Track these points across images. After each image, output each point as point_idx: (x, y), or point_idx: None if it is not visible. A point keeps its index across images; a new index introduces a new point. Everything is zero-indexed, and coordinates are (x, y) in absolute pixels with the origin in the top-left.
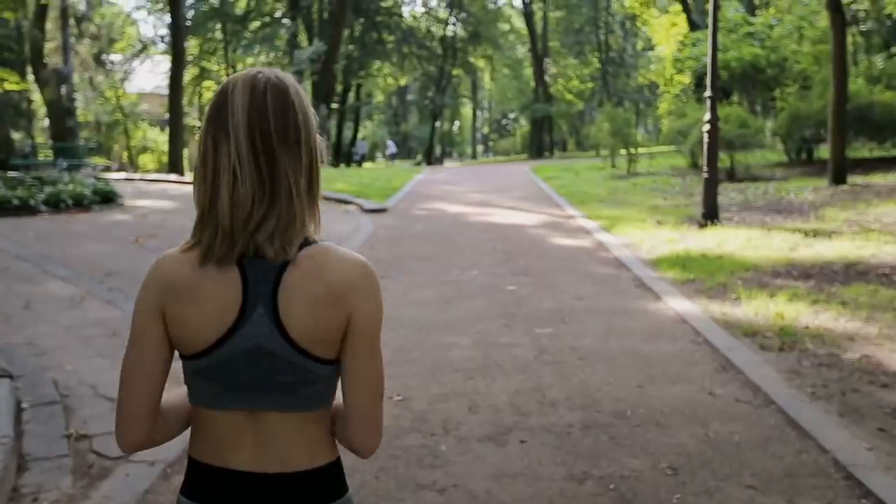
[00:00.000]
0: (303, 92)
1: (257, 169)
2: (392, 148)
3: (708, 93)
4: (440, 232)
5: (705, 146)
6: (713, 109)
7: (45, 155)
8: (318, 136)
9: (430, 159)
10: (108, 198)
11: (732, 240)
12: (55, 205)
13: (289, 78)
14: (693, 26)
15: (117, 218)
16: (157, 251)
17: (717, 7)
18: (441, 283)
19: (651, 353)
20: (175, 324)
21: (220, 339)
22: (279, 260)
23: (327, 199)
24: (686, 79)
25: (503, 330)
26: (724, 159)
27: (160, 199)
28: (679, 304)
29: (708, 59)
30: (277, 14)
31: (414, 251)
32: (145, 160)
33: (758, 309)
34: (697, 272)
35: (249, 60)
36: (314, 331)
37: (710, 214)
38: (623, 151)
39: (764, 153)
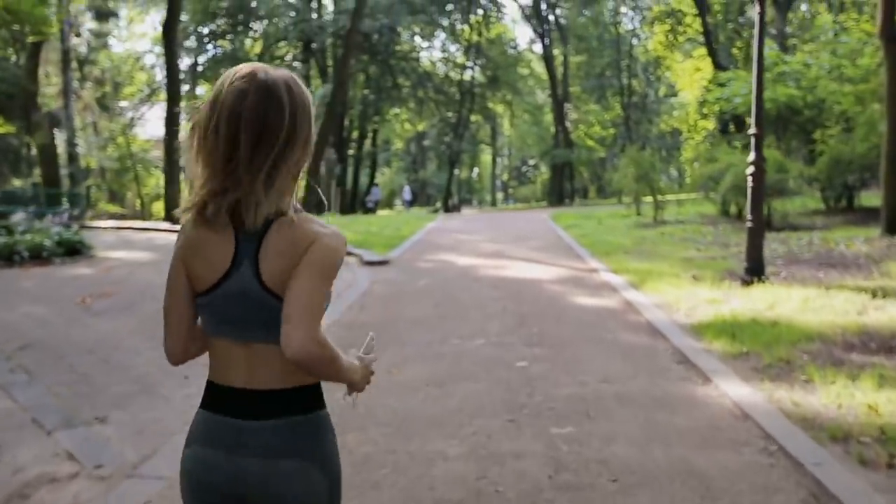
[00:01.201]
0: (296, 89)
1: (229, 152)
2: (408, 195)
3: (752, 130)
4: (444, 288)
5: (749, 191)
6: (758, 150)
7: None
8: (307, 128)
9: (448, 206)
10: (73, 249)
11: (786, 300)
12: (7, 257)
13: (281, 75)
14: (719, 68)
15: (77, 272)
16: (103, 315)
17: (762, 37)
18: (436, 358)
19: (710, 471)
20: (190, 268)
21: (216, 283)
22: (251, 227)
23: None
24: (710, 124)
25: (508, 430)
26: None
27: (140, 250)
28: (735, 390)
29: (753, 93)
30: (288, 57)
31: (410, 313)
32: (158, 207)
33: (840, 398)
34: (751, 343)
35: None
36: (282, 277)
37: (756, 269)
38: (648, 198)
39: (803, 200)
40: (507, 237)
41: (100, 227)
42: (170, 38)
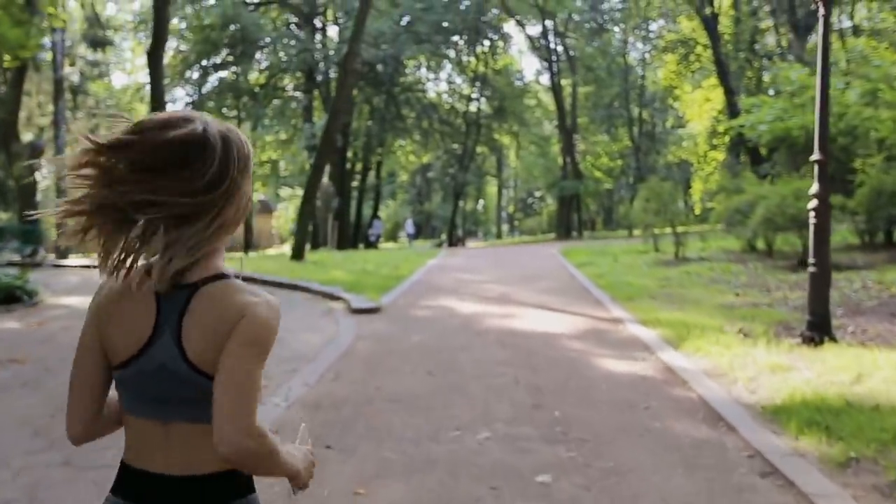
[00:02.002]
0: (234, 140)
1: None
2: (410, 228)
3: (816, 156)
4: (442, 347)
5: (812, 229)
6: (823, 181)
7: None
8: (240, 183)
9: (452, 240)
10: (11, 296)
11: (874, 369)
12: None
13: (218, 126)
14: (731, 96)
15: (1, 326)
16: None
17: (826, 44)
18: (424, 466)
19: None
20: (105, 336)
21: (134, 356)
22: (162, 289)
23: (311, 292)
24: (721, 155)
25: None
26: (792, 241)
27: None
28: None
29: (816, 111)
30: (290, 87)
31: (396, 386)
32: None
33: None
34: (857, 442)
35: (269, 138)
36: (208, 354)
37: (822, 325)
38: (664, 230)
39: (842, 233)
40: (515, 277)
41: (67, 266)
42: (155, 63)
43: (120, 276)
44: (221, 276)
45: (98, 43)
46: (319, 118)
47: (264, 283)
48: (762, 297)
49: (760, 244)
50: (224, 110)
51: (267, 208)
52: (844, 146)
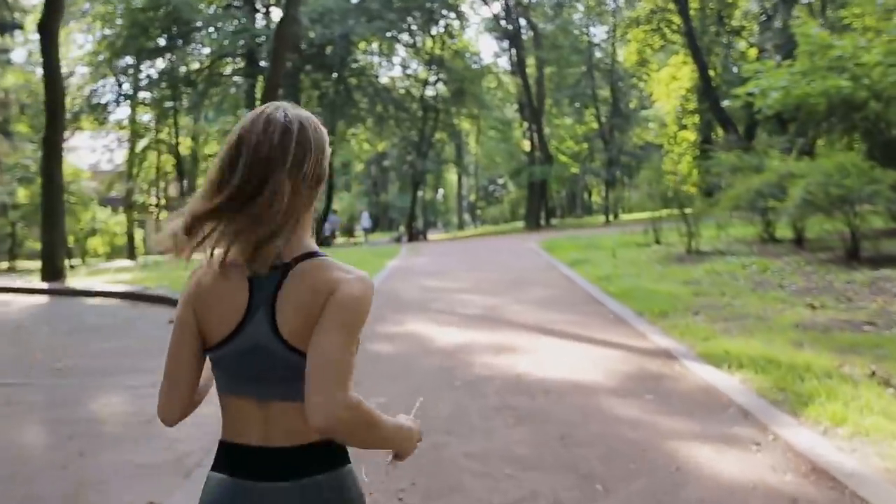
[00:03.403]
0: (310, 126)
1: (244, 189)
2: (366, 221)
3: None
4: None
5: None
6: None
7: None
8: (321, 165)
9: (412, 233)
10: None
11: None
12: None
13: (298, 113)
14: (703, 69)
15: None
16: None
17: None
18: None
19: None
20: (200, 319)
21: (228, 336)
22: (262, 270)
23: None
24: (691, 135)
25: None
26: (836, 224)
27: None
28: None
29: None
30: (228, 71)
31: None
32: (95, 243)
33: None
34: None
35: (214, 129)
36: (302, 330)
37: None
38: (645, 215)
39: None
40: (498, 282)
41: None
42: (48, 38)
43: (214, 262)
44: (312, 254)
45: (5, 27)
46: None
47: (162, 300)
48: (848, 310)
49: (784, 232)
50: (164, 102)
51: None
52: (878, 112)
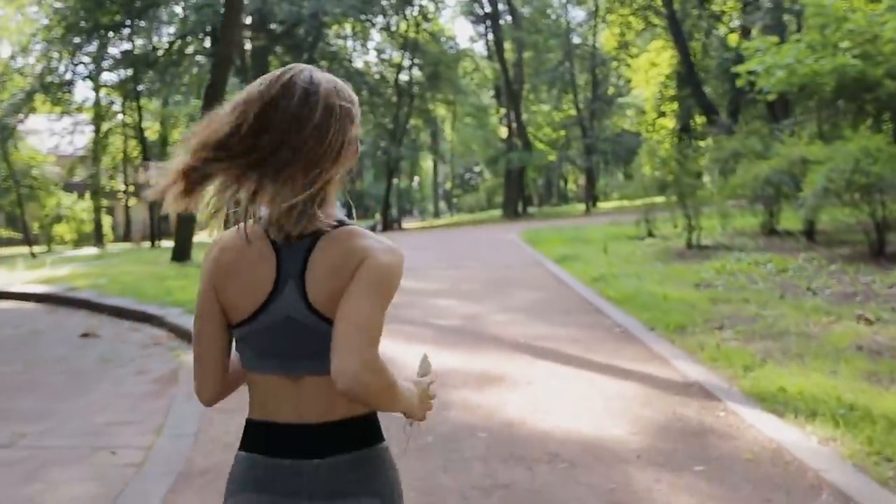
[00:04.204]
0: (340, 89)
1: (259, 144)
2: (338, 211)
3: None
4: None
5: None
6: None
7: None
8: (350, 131)
9: (387, 221)
10: None
11: None
12: None
13: (323, 76)
14: (685, 53)
15: None
16: None
17: None
18: None
19: None
20: (223, 295)
21: (256, 311)
22: (293, 240)
23: (164, 325)
24: (670, 122)
25: None
26: (854, 215)
27: None
28: None
29: None
30: (190, 50)
31: None
32: (61, 230)
33: None
34: None
35: (184, 111)
36: (333, 299)
37: None
38: (651, 203)
39: None
40: (478, 282)
41: None
42: None
43: (240, 230)
44: (340, 224)
45: None
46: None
47: (86, 305)
48: None
49: (790, 223)
50: (127, 85)
51: None
52: (891, 93)
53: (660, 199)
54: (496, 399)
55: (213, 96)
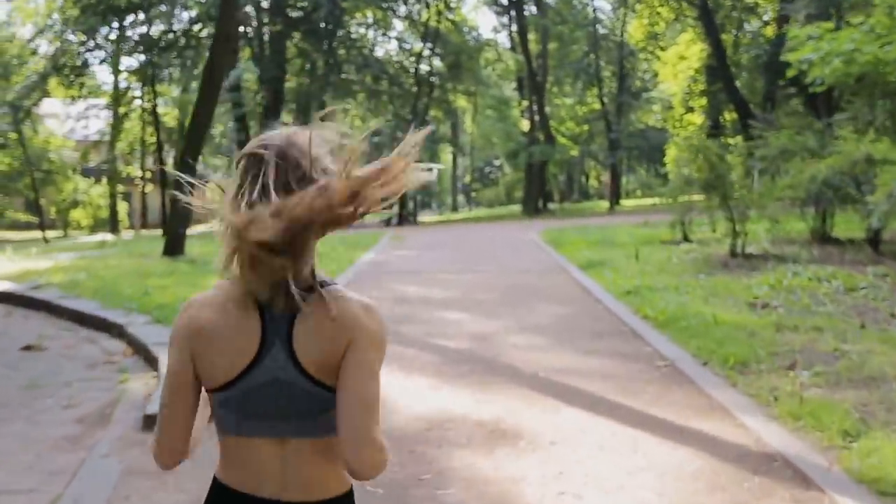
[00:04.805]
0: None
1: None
2: None
3: None
4: None
5: None
6: None
7: None
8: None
9: (402, 215)
10: None
11: None
12: None
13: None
14: (718, 46)
15: None
16: None
17: None
18: None
19: None
20: (201, 360)
21: (241, 373)
22: (286, 305)
23: (127, 339)
24: (698, 118)
25: None
26: None
27: None
28: None
29: None
30: (204, 35)
31: None
32: (78, 216)
33: None
34: None
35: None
36: (323, 361)
37: None
38: (686, 202)
39: None
40: (495, 291)
41: None
42: None
43: (229, 293)
44: (324, 284)
45: None
46: (246, 72)
47: (47, 308)
48: None
49: (845, 230)
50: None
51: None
52: None
53: (696, 199)
54: (511, 469)
55: (210, 76)
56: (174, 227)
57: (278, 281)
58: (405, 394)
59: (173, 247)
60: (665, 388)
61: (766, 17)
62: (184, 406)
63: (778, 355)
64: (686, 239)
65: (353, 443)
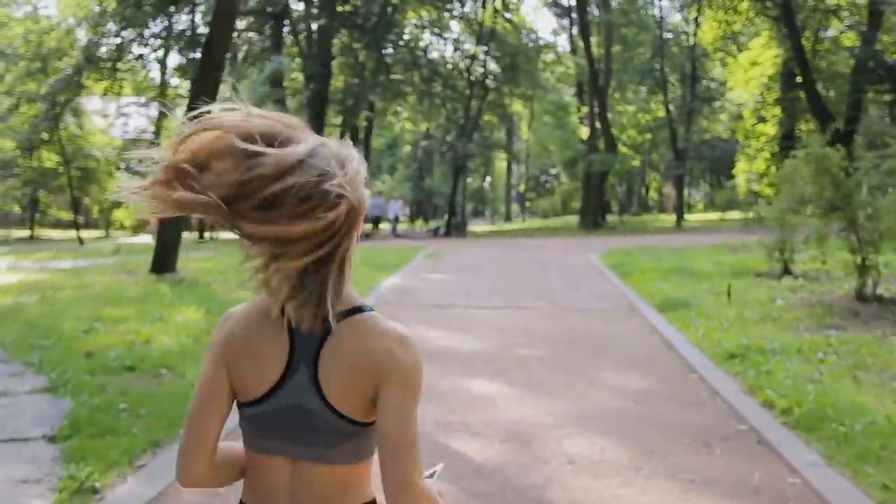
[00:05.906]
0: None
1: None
2: (394, 211)
3: None
4: None
5: None
6: None
7: None
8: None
9: (450, 225)
10: None
11: None
12: None
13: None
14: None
15: None
16: None
17: None
18: None
19: None
20: (234, 372)
21: (267, 393)
22: (316, 325)
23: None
24: (771, 129)
25: None
26: None
27: None
28: None
29: None
30: (242, 25)
31: None
32: (121, 216)
33: None
34: None
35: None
36: (349, 394)
37: None
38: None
39: None
40: (543, 343)
41: None
42: None
43: (264, 309)
44: (358, 310)
45: None
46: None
47: None
48: None
49: None
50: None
51: None
52: None
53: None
54: None
55: (208, 52)
56: (162, 238)
57: (307, 300)
58: None
59: (162, 262)
60: None
61: (847, 23)
62: (213, 417)
63: None
64: (787, 271)
65: (394, 490)
